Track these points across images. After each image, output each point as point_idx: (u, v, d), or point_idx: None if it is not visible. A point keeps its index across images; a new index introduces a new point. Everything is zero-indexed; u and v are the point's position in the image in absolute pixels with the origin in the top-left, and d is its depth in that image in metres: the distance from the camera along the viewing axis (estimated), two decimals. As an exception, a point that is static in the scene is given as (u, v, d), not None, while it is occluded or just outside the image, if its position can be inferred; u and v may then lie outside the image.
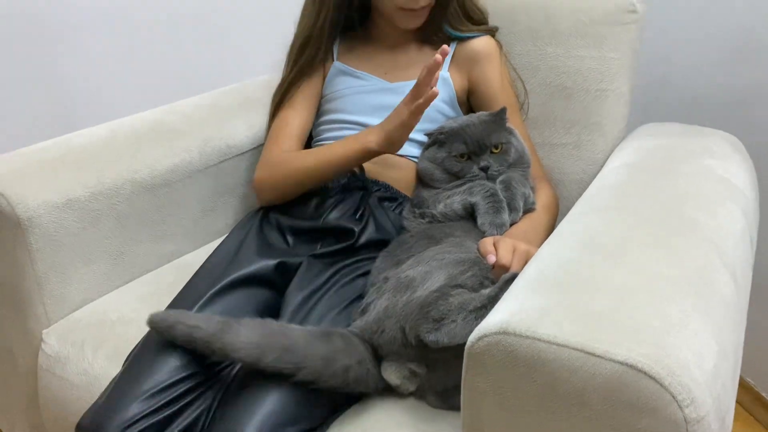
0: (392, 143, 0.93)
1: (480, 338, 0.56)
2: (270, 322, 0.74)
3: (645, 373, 0.50)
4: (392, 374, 0.74)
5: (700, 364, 0.53)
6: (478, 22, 1.07)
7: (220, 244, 0.95)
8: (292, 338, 0.72)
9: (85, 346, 0.89)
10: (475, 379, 0.58)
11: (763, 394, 1.40)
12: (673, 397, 0.50)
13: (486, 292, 0.72)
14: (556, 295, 0.58)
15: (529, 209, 0.95)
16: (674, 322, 0.55)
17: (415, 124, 0.89)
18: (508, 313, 0.57)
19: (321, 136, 1.09)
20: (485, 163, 0.93)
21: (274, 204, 1.02)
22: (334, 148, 0.97)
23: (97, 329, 0.91)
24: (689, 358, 0.52)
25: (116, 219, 1.00)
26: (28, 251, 0.90)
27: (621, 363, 0.51)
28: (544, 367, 0.53)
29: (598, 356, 0.51)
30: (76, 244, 0.95)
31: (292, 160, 1.00)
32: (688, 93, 1.54)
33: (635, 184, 0.82)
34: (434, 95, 0.85)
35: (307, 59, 1.07)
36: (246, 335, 0.71)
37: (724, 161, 0.92)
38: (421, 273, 0.77)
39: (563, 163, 1.08)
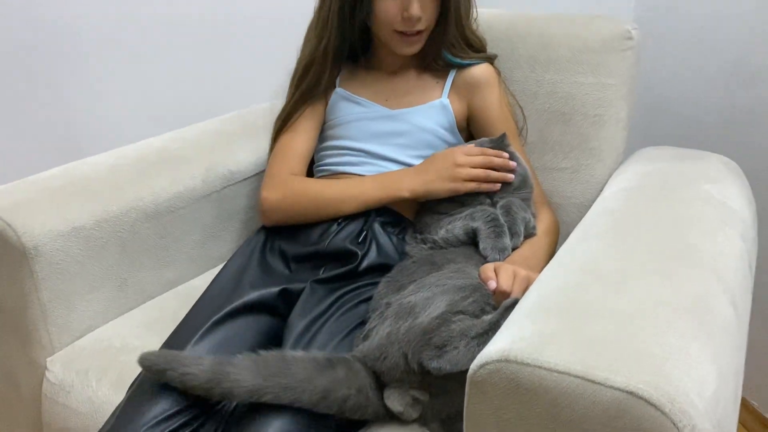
0: (427, 198, 0.98)
1: (482, 366, 0.57)
2: (267, 358, 0.74)
3: (646, 400, 0.51)
4: (395, 401, 0.74)
5: (701, 390, 0.53)
6: (478, 49, 1.09)
7: (222, 270, 0.96)
8: (290, 374, 0.72)
9: (89, 373, 0.90)
10: (477, 406, 0.58)
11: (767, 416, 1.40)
12: (674, 424, 0.50)
13: (487, 318, 0.72)
14: (556, 321, 0.59)
15: (530, 234, 0.96)
16: (674, 349, 0.56)
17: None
18: (510, 340, 0.57)
19: (323, 161, 1.10)
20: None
21: (280, 225, 1.03)
22: (364, 185, 0.99)
23: (101, 357, 0.92)
24: (689, 384, 0.53)
25: (120, 246, 1.00)
26: (33, 280, 0.90)
27: (622, 390, 0.51)
28: (546, 394, 0.54)
29: (599, 383, 0.52)
30: (81, 272, 0.96)
31: (311, 187, 1.02)
32: (686, 116, 1.55)
33: (634, 210, 0.83)
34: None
35: (308, 86, 1.09)
36: (243, 379, 0.70)
37: (721, 185, 0.93)
38: (422, 299, 0.78)
39: (563, 187, 1.09)
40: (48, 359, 0.93)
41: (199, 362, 0.73)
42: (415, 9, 0.99)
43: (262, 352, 0.75)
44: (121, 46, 1.52)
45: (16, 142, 1.49)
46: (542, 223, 0.99)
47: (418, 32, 1.02)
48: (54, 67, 1.48)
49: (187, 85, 1.60)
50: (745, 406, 1.44)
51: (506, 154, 0.94)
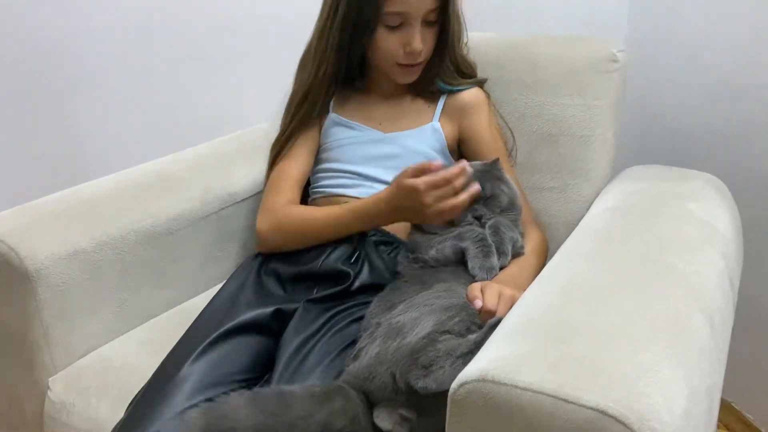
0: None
1: (461, 385, 0.59)
2: (265, 396, 0.76)
3: (615, 418, 0.53)
4: (384, 420, 0.76)
5: (671, 408, 0.55)
6: (468, 75, 1.12)
7: (219, 291, 0.99)
8: (290, 411, 0.74)
9: (90, 392, 0.92)
10: (458, 425, 0.60)
11: (763, 430, 1.41)
12: (642, 440, 0.52)
13: (472, 337, 0.75)
14: (534, 342, 0.61)
15: (517, 253, 0.98)
16: (646, 368, 0.58)
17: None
18: (487, 360, 0.60)
19: (318, 183, 1.13)
20: (479, 212, 0.97)
21: (276, 252, 1.05)
22: (349, 224, 1.01)
23: (102, 376, 0.95)
24: (660, 403, 0.55)
25: (121, 268, 1.03)
26: (35, 302, 0.93)
27: (593, 409, 0.54)
28: (522, 413, 0.56)
29: (572, 402, 0.54)
30: (82, 294, 0.98)
31: (301, 220, 1.04)
32: (679, 132, 1.58)
33: (617, 229, 0.85)
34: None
35: (305, 113, 1.12)
36: (244, 418, 0.72)
37: (705, 204, 0.96)
38: (411, 319, 0.80)
39: (551, 206, 1.11)
40: (50, 379, 0.96)
41: (188, 420, 0.73)
42: (417, 43, 1.03)
43: (260, 390, 0.78)
44: (123, 71, 1.57)
45: (22, 166, 1.53)
46: (530, 243, 1.02)
47: (418, 63, 1.06)
48: (58, 93, 1.53)
49: (187, 108, 1.64)
50: (741, 419, 1.46)
51: (468, 169, 0.92)
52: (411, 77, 1.09)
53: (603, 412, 0.53)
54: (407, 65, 1.06)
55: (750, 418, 1.44)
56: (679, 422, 0.55)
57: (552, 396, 0.55)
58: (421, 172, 0.92)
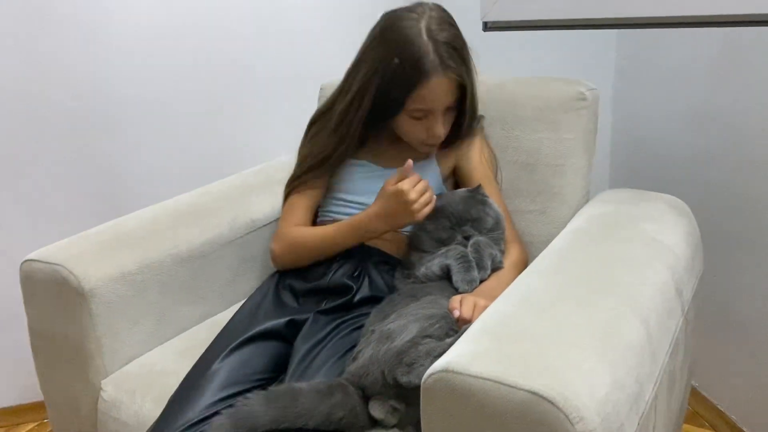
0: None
1: (430, 376, 0.74)
2: (278, 392, 0.91)
3: (544, 398, 0.67)
4: (377, 410, 0.92)
5: (592, 392, 0.70)
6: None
7: (243, 305, 1.15)
8: (299, 404, 0.89)
9: (135, 393, 1.09)
10: (428, 408, 0.75)
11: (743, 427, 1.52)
12: (566, 415, 0.67)
13: (449, 341, 0.90)
14: (487, 342, 0.76)
15: (497, 267, 1.13)
16: (575, 362, 0.72)
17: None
18: (451, 356, 0.75)
19: (328, 208, 1.28)
20: (468, 233, 1.12)
21: (287, 268, 1.22)
22: (345, 238, 1.17)
23: (145, 379, 1.11)
24: (582, 388, 0.69)
25: (160, 287, 1.21)
26: (90, 316, 1.11)
27: (527, 391, 0.68)
28: (474, 396, 0.71)
29: (511, 386, 0.69)
30: (128, 309, 1.16)
31: (305, 240, 1.20)
32: (659, 155, 1.71)
33: (575, 249, 1.00)
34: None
35: (321, 171, 1.25)
36: (262, 414, 0.88)
37: (660, 224, 1.10)
38: (399, 326, 0.95)
39: (532, 227, 1.26)
40: (102, 381, 1.13)
41: (216, 423, 0.88)
42: (440, 131, 1.16)
43: (272, 388, 0.92)
44: (156, 115, 1.73)
45: (75, 202, 1.71)
46: (510, 258, 1.16)
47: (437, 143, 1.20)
48: (102, 137, 1.70)
49: (215, 145, 1.79)
50: (728, 422, 1.57)
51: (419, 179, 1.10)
52: (432, 150, 1.23)
53: (535, 393, 0.68)
54: (428, 145, 1.20)
55: (720, 407, 1.56)
56: (597, 402, 0.69)
57: (496, 382, 0.70)
58: (400, 178, 1.08)
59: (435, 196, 1.12)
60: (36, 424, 1.79)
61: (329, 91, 1.47)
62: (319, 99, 1.52)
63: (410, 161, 1.09)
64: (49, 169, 1.68)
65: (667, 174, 1.65)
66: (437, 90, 1.11)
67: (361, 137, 1.22)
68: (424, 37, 1.10)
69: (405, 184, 1.08)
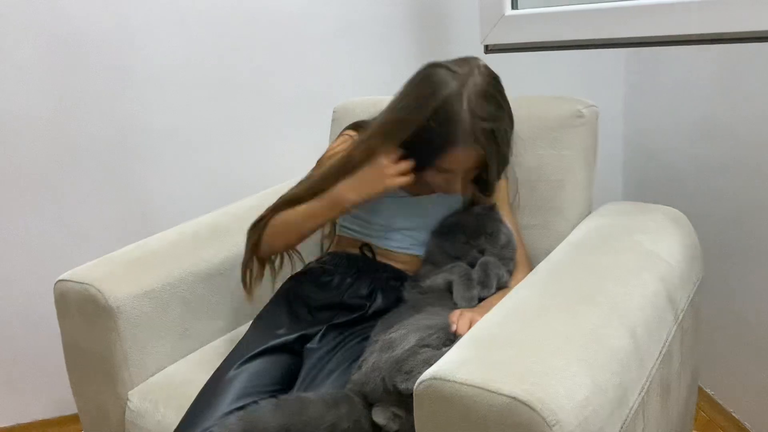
0: (368, 201, 1.14)
1: (421, 382, 0.80)
2: (290, 402, 0.96)
3: (524, 403, 0.72)
4: (379, 416, 0.97)
5: (571, 396, 0.74)
6: None
7: (256, 318, 1.22)
8: (307, 413, 0.95)
9: (158, 403, 1.16)
10: (420, 413, 0.81)
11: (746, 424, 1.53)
12: (543, 419, 0.71)
13: (445, 350, 0.95)
14: (474, 351, 0.81)
15: (503, 286, 1.17)
16: (556, 368, 0.77)
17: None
18: (440, 364, 0.80)
19: (347, 224, 1.31)
20: (482, 246, 1.17)
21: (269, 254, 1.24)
22: (316, 209, 1.15)
23: (168, 390, 1.18)
24: (560, 391, 0.74)
25: (181, 303, 1.28)
26: (117, 332, 1.19)
27: (507, 396, 0.73)
28: (460, 401, 0.76)
29: (493, 392, 0.74)
30: (152, 325, 1.23)
31: (286, 216, 1.19)
32: (667, 167, 1.74)
33: (568, 261, 1.04)
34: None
35: None
36: (272, 420, 0.94)
37: (654, 235, 1.13)
38: (400, 335, 1.01)
39: (534, 240, 1.30)
40: (129, 392, 1.20)
41: (225, 422, 0.95)
42: (458, 188, 1.16)
43: (282, 397, 0.98)
44: (180, 142, 1.83)
45: (102, 224, 1.81)
46: (517, 277, 1.18)
47: None
48: (130, 163, 1.81)
49: (234, 168, 1.88)
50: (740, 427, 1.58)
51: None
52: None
53: (515, 398, 0.72)
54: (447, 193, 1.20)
55: (736, 415, 1.57)
56: (576, 406, 0.74)
57: (479, 388, 0.74)
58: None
59: (410, 170, 1.11)
60: (73, 435, 1.89)
61: (341, 114, 1.56)
62: (332, 121, 1.59)
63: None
64: (84, 194, 1.79)
65: (679, 185, 1.68)
66: (461, 157, 1.11)
67: None
68: (464, 105, 1.08)
69: (380, 153, 1.09)
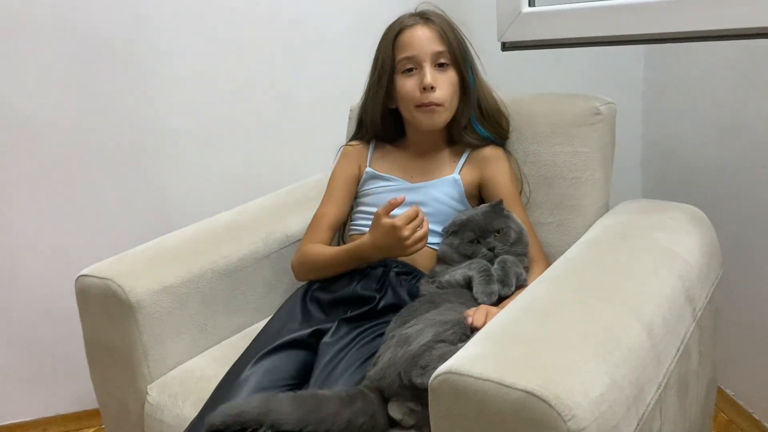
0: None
1: (436, 377, 0.80)
2: (304, 397, 0.97)
3: (539, 397, 0.72)
4: (396, 411, 0.98)
5: (586, 392, 0.74)
6: (497, 125, 1.33)
7: (272, 316, 1.23)
8: (323, 409, 0.95)
9: (177, 397, 1.18)
10: (435, 407, 0.81)
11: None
12: (558, 413, 0.71)
13: (461, 345, 0.95)
14: (490, 346, 0.82)
15: (521, 285, 1.16)
16: (571, 363, 0.77)
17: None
18: (456, 359, 0.80)
19: (355, 222, 1.36)
20: (492, 244, 1.18)
21: (302, 279, 1.32)
22: (345, 262, 1.24)
23: (186, 384, 1.20)
24: (576, 387, 0.74)
25: (200, 299, 1.30)
26: (137, 326, 1.20)
27: (522, 391, 0.73)
28: (475, 395, 0.76)
29: (508, 386, 0.74)
30: (171, 320, 1.25)
31: (316, 258, 1.28)
32: (687, 165, 1.72)
33: (584, 258, 1.04)
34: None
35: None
36: (289, 412, 0.94)
37: (672, 233, 1.12)
38: (416, 330, 1.01)
39: (551, 238, 1.30)
40: (148, 386, 1.22)
41: (249, 401, 0.97)
42: (428, 79, 1.21)
43: (299, 392, 0.99)
44: (200, 141, 1.85)
45: (123, 221, 1.84)
46: (532, 276, 1.19)
47: (437, 104, 1.25)
48: (151, 162, 1.84)
49: (253, 165, 1.90)
50: (757, 425, 1.56)
51: (420, 210, 1.16)
52: (433, 120, 1.26)
53: (530, 393, 0.72)
54: (426, 105, 1.23)
55: (756, 416, 1.55)
56: (592, 402, 0.73)
57: (494, 382, 0.74)
58: (391, 208, 1.14)
59: (428, 224, 1.17)
60: (94, 429, 1.92)
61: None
62: (348, 120, 1.60)
63: (403, 196, 1.16)
64: (106, 193, 1.83)
65: (698, 183, 1.66)
66: (418, 34, 1.24)
67: (386, 126, 1.35)
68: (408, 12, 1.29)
69: (399, 221, 1.12)
